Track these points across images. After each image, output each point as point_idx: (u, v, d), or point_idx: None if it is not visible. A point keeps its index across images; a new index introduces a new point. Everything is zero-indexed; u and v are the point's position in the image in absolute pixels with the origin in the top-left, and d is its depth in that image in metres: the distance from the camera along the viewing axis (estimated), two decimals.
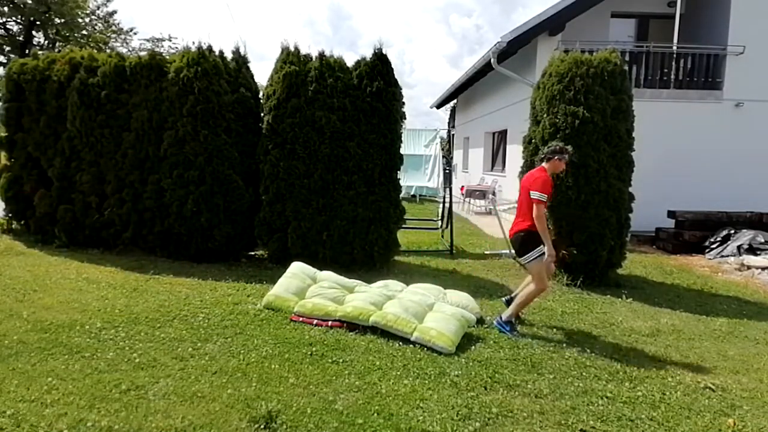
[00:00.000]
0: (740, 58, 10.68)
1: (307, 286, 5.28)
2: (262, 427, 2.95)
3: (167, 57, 7.30)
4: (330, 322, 4.65)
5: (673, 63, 10.99)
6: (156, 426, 2.91)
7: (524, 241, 4.73)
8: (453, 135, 22.49)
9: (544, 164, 4.95)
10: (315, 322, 4.67)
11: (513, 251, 5.28)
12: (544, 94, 6.62)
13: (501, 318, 4.78)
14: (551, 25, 10.46)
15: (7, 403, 3.08)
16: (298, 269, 5.56)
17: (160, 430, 2.88)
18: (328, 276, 5.55)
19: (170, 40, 30.01)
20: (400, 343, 4.29)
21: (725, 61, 10.85)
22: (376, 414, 3.15)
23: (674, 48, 11.00)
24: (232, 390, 3.37)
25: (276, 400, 3.24)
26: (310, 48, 7.49)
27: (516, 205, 5.17)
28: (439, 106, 23.16)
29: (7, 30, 26.10)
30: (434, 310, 4.83)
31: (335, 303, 4.93)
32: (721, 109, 10.89)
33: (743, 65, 10.68)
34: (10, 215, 8.21)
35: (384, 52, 6.74)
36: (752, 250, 8.49)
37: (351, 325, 4.59)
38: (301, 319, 4.74)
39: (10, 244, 7.57)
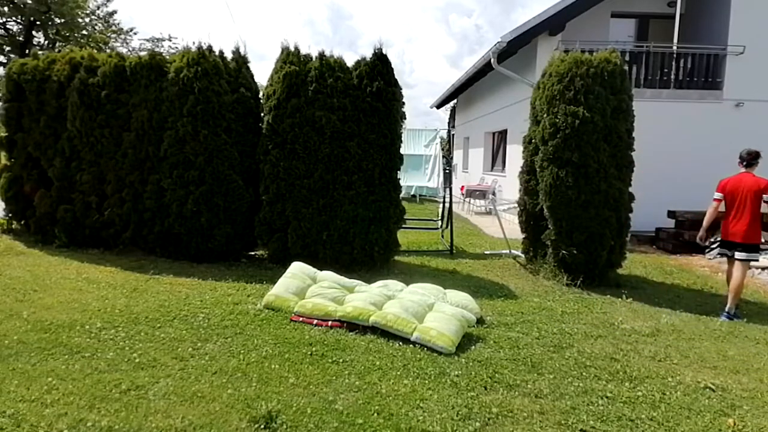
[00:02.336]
0: (740, 58, 10.68)
1: (307, 286, 5.28)
2: (262, 427, 2.95)
3: (167, 57, 7.30)
4: (330, 322, 4.64)
5: (673, 63, 10.99)
6: (156, 426, 2.92)
7: (756, 246, 5.73)
8: (453, 135, 22.49)
9: (749, 169, 5.88)
10: (315, 322, 4.67)
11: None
12: (544, 94, 6.62)
13: (727, 313, 5.63)
14: (551, 25, 10.46)
15: (7, 403, 3.08)
16: (297, 269, 5.56)
17: (160, 430, 2.88)
18: (328, 276, 5.55)
19: (170, 40, 30.05)
20: (400, 343, 4.29)
21: (725, 61, 10.84)
22: (376, 414, 3.15)
23: (674, 48, 11.00)
24: (232, 390, 3.37)
25: (276, 400, 3.24)
26: (310, 48, 7.50)
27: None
28: (439, 106, 23.16)
29: (7, 30, 26.10)
30: (434, 310, 4.83)
31: (335, 303, 4.93)
32: (721, 109, 10.89)
33: (743, 65, 10.68)
34: (10, 215, 8.20)
35: (384, 52, 6.74)
36: None
37: (351, 325, 4.59)
38: (301, 319, 4.74)
39: (10, 244, 7.57)
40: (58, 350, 3.87)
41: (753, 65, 10.62)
